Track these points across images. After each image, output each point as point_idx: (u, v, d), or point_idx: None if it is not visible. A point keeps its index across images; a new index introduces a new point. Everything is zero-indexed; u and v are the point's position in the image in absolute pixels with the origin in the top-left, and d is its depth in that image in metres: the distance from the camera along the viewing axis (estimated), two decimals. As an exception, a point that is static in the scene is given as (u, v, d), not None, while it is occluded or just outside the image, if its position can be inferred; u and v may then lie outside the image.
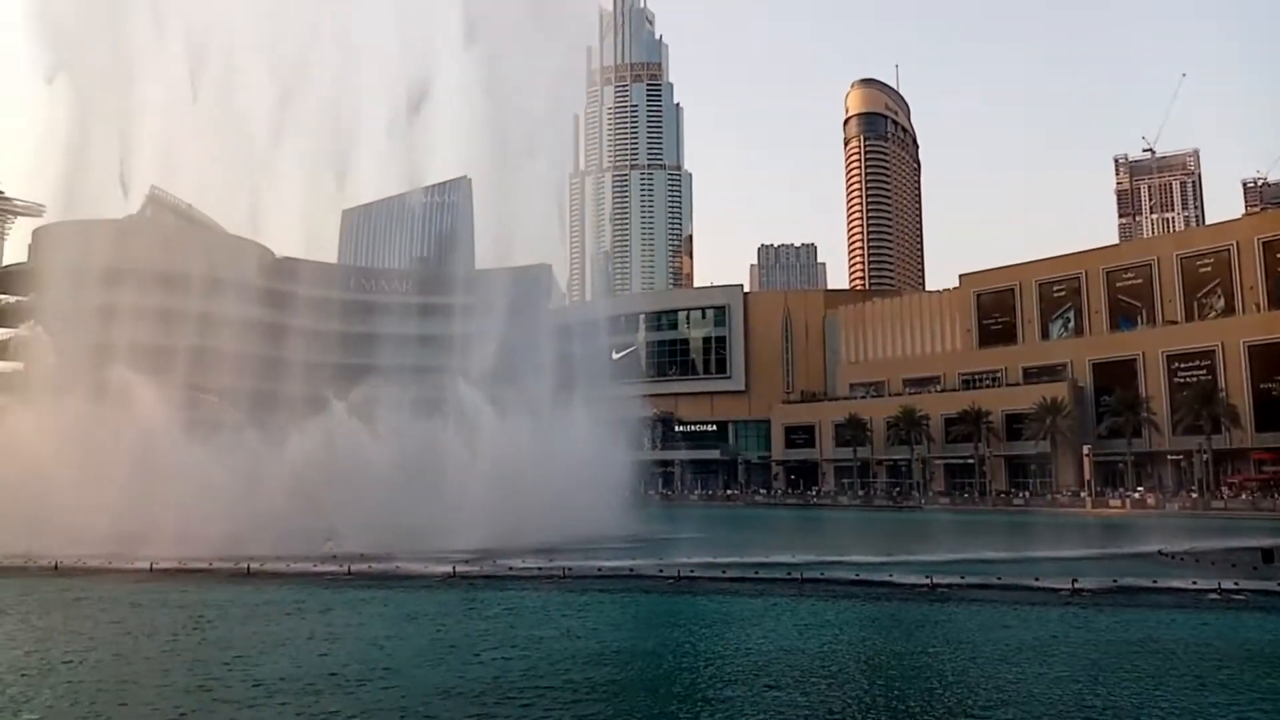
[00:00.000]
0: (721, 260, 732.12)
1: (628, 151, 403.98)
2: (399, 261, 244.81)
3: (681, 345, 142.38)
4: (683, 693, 17.08)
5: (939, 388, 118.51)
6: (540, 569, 33.75)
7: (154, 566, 34.13)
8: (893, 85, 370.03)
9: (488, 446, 48.51)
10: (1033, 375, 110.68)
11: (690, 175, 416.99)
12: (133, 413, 44.64)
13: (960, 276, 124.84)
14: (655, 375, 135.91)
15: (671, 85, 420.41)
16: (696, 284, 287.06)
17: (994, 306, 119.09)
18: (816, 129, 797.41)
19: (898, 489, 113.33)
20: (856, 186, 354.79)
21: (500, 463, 47.29)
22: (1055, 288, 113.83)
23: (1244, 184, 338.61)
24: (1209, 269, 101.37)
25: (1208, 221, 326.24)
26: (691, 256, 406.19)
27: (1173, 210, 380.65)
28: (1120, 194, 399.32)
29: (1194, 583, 29.19)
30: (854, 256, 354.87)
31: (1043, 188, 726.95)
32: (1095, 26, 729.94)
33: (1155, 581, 29.79)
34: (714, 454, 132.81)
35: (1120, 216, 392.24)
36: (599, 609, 26.99)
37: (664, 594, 29.73)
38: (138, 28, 58.67)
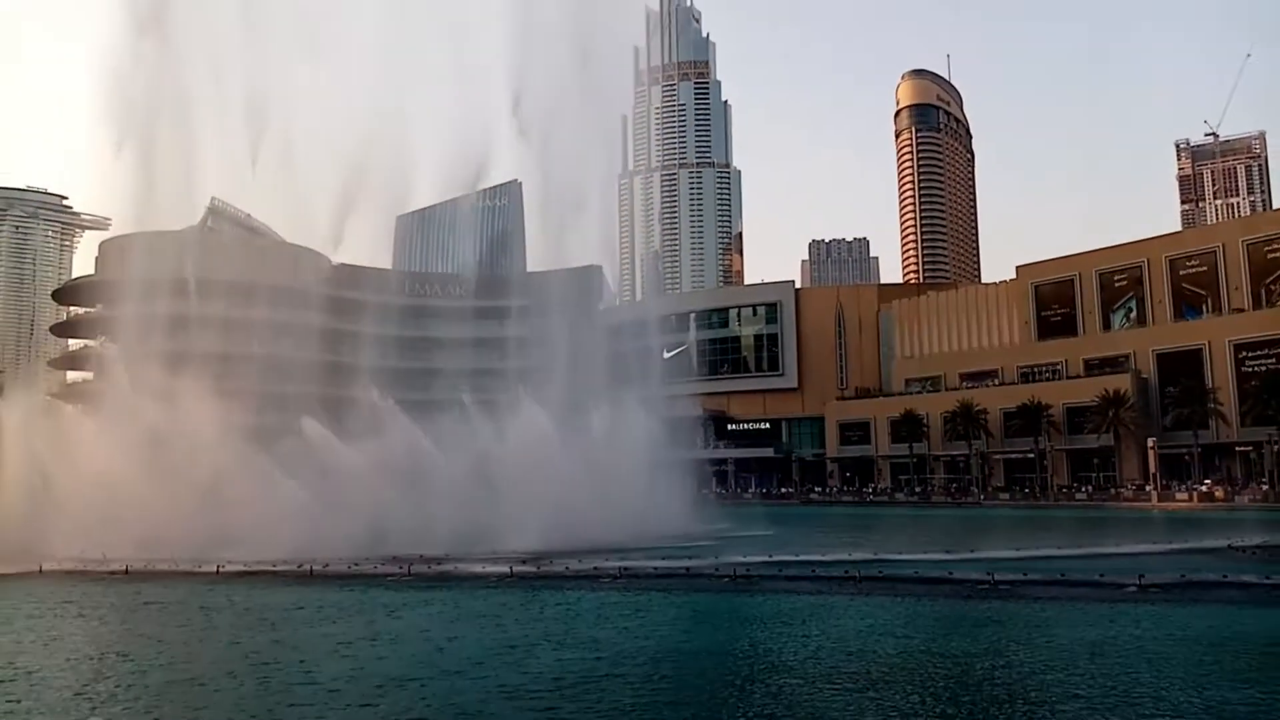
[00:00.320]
0: (772, 257, 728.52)
1: (676, 150, 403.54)
2: (451, 265, 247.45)
3: (733, 343, 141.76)
4: (742, 692, 17.04)
5: (997, 381, 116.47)
6: (596, 569, 33.93)
7: (220, 569, 35.03)
8: (944, 75, 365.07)
9: (542, 449, 48.91)
10: (1094, 367, 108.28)
11: (739, 172, 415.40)
12: (202, 421, 45.88)
13: (1017, 268, 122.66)
14: (707, 374, 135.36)
15: (719, 83, 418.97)
16: (747, 281, 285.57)
17: (1053, 298, 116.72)
18: (867, 122, 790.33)
19: (956, 485, 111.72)
20: (909, 179, 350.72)
21: (556, 464, 47.70)
22: (1116, 277, 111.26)
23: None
24: (1278, 254, 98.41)
25: (1275, 206, 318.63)
26: (742, 254, 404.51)
27: (1238, 195, 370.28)
28: (1182, 179, 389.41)
29: (1267, 577, 28.42)
30: (907, 250, 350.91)
31: (1101, 175, 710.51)
32: (1154, 7, 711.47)
33: (1225, 577, 29.05)
34: (767, 452, 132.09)
35: (1183, 203, 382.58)
36: (658, 609, 27.05)
37: (721, 593, 29.75)
38: (201, 103, 61.33)
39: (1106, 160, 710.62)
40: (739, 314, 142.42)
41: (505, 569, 33.79)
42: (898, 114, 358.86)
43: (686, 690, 17.10)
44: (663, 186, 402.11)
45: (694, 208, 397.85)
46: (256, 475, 43.84)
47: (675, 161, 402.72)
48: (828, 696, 16.28)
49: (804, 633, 22.55)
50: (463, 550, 38.85)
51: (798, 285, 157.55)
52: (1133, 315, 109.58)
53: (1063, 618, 24.20)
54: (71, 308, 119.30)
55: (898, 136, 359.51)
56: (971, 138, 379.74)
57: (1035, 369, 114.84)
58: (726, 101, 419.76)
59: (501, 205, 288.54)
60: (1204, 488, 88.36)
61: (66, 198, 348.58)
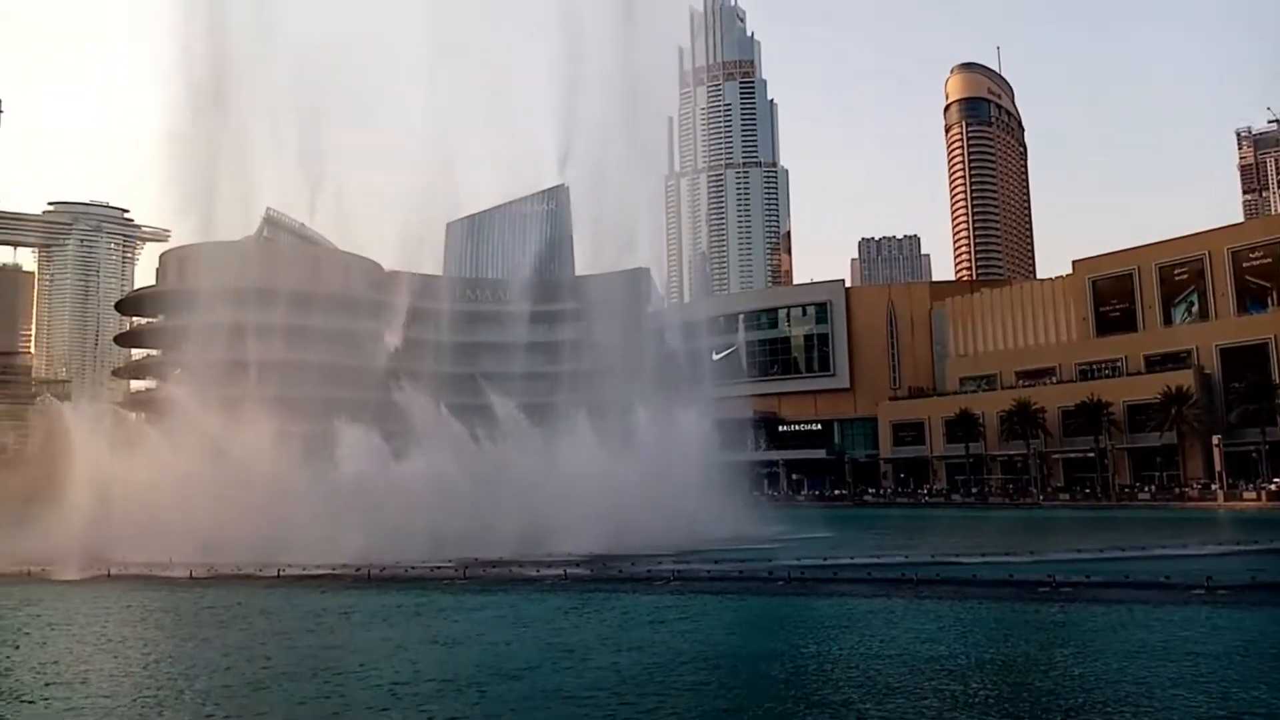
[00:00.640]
0: (821, 256, 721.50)
1: (722, 151, 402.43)
2: (501, 270, 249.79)
3: (783, 344, 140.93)
4: (800, 696, 16.90)
5: (1054, 379, 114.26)
6: (650, 571, 33.94)
7: (280, 574, 35.67)
8: (995, 68, 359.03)
9: (594, 454, 49.17)
10: (1155, 363, 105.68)
11: (786, 171, 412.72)
12: (262, 428, 46.87)
13: (1073, 263, 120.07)
14: (757, 375, 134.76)
15: (765, 82, 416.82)
16: (796, 281, 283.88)
17: (1111, 293, 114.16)
18: (916, 117, 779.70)
19: (1013, 486, 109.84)
20: (960, 174, 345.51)
21: (608, 468, 47.90)
22: (1177, 271, 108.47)
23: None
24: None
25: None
26: (790, 254, 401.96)
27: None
28: (1244, 169, 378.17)
29: (1342, 580, 27.54)
30: (959, 246, 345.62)
31: (1159, 166, 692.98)
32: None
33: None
34: (819, 454, 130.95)
35: (1245, 193, 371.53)
36: (713, 612, 26.99)
37: (776, 595, 29.59)
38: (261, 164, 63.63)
39: (1164, 150, 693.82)
40: (788, 314, 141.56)
41: (559, 572, 33.98)
42: (947, 108, 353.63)
43: (744, 695, 16.98)
44: (709, 187, 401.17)
45: (741, 208, 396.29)
46: (315, 482, 44.64)
47: (722, 162, 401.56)
48: (888, 710, 16.04)
49: (861, 638, 22.29)
50: (519, 554, 39.16)
51: (848, 284, 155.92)
52: (1194, 309, 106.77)
53: (1126, 620, 23.61)
54: (134, 318, 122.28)
55: (948, 131, 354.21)
56: (1023, 131, 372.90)
57: (1094, 366, 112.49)
58: (772, 100, 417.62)
59: (550, 209, 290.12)
60: (1273, 486, 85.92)
61: (128, 210, 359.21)
